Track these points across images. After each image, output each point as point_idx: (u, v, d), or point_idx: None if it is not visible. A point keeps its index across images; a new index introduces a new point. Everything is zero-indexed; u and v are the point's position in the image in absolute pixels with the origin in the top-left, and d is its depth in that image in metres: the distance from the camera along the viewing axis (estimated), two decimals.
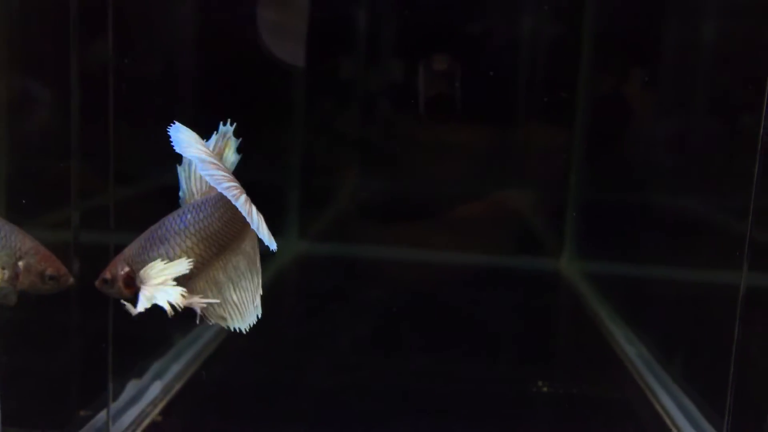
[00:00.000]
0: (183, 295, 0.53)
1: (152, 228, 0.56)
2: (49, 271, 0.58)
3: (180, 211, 0.56)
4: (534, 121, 0.75)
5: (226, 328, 0.54)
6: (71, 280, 0.59)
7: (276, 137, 0.76)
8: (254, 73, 0.73)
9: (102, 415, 0.67)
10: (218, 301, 0.55)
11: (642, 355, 0.73)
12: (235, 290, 0.56)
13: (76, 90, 0.65)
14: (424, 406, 0.70)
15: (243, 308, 0.56)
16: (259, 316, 0.54)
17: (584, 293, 0.77)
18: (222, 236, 0.55)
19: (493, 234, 0.77)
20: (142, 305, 0.52)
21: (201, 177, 0.54)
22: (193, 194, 0.56)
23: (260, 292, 0.54)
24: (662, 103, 0.73)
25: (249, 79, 0.73)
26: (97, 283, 0.57)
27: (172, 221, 0.56)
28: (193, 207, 0.55)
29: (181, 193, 0.55)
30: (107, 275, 0.57)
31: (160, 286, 0.54)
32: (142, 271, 0.56)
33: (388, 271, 0.79)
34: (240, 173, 0.52)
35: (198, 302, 0.54)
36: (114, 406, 0.67)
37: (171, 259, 0.55)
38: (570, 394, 0.70)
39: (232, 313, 0.56)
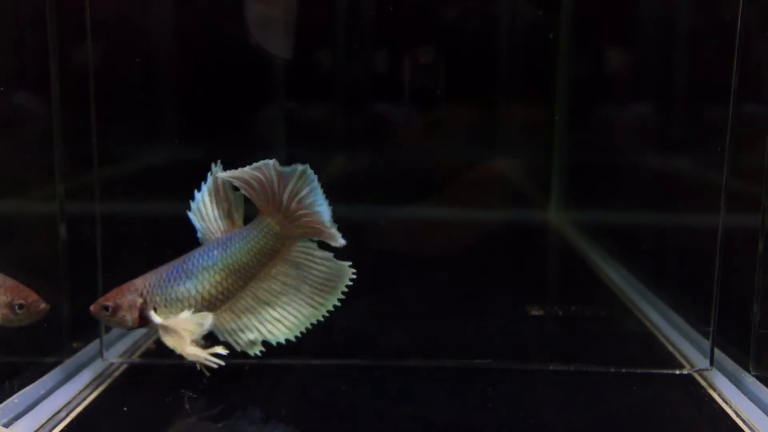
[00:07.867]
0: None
1: (174, 263, 0.59)
2: (17, 301, 0.56)
3: (205, 247, 0.59)
4: (520, 96, 0.87)
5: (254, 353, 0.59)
6: (43, 305, 0.58)
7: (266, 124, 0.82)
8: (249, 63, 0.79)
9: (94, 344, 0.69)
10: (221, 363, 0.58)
11: (627, 280, 0.91)
12: (274, 309, 0.59)
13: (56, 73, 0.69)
14: (425, 326, 0.81)
15: (287, 321, 0.59)
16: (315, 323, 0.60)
17: (569, 237, 0.93)
18: (250, 268, 0.58)
19: (491, 193, 0.89)
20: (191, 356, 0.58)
21: (216, 217, 0.59)
22: (212, 233, 0.59)
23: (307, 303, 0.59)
24: (634, 79, 0.87)
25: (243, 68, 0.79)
26: (93, 308, 0.59)
27: (198, 257, 0.58)
28: (219, 243, 0.58)
29: (199, 234, 0.59)
30: (109, 303, 0.59)
31: (195, 350, 0.58)
32: (172, 321, 0.58)
33: (397, 223, 0.85)
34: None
35: (206, 358, 0.58)
36: (106, 337, 0.70)
37: (199, 293, 0.58)
38: (568, 316, 0.84)
39: (272, 330, 0.59)
